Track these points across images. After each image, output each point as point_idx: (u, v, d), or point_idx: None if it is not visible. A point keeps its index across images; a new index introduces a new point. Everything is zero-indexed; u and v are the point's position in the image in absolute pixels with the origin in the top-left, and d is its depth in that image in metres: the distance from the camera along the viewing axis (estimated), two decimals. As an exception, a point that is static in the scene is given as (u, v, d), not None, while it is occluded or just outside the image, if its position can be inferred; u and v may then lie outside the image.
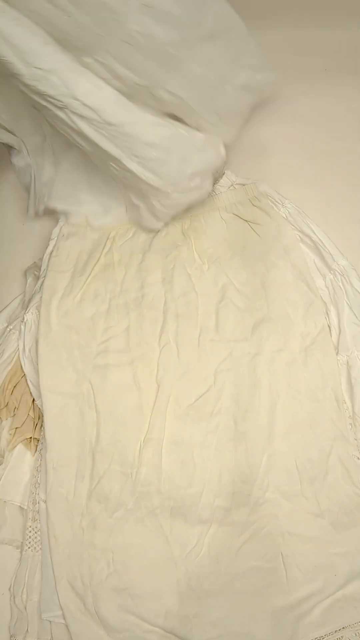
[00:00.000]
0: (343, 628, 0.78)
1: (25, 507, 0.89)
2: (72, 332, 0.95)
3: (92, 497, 0.86)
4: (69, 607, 0.81)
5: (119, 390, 0.91)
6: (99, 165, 0.94)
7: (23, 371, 0.96)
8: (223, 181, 1.08)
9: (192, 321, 0.95)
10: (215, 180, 1.09)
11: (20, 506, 0.89)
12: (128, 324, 0.96)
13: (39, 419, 0.93)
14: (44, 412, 0.91)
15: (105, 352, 0.94)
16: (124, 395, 0.91)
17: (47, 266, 1.01)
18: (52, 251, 1.02)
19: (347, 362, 0.92)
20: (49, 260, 1.01)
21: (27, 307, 0.99)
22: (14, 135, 1.04)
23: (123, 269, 1.00)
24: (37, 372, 0.95)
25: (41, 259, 1.03)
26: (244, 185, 1.04)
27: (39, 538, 0.86)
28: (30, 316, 0.98)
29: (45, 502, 0.86)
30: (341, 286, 0.96)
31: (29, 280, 1.05)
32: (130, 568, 0.82)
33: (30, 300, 1.00)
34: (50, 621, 0.81)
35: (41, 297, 0.98)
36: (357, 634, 0.78)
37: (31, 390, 0.95)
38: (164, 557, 0.82)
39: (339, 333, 0.94)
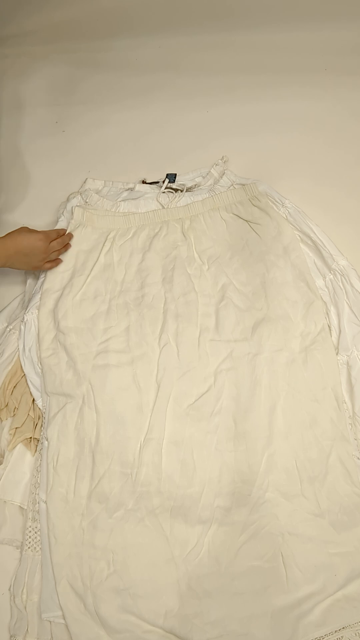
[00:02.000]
0: (343, 628, 0.78)
1: (25, 507, 0.89)
2: (72, 334, 0.95)
3: (92, 497, 0.86)
4: (68, 608, 0.81)
5: (119, 391, 0.91)
6: None
7: (23, 371, 0.96)
8: (223, 181, 1.08)
9: (192, 321, 0.95)
10: (216, 180, 1.10)
11: (20, 506, 0.89)
12: (128, 324, 0.95)
13: (39, 419, 0.93)
14: (45, 413, 0.91)
15: (105, 352, 0.94)
16: (124, 395, 0.90)
17: None
18: None
19: (347, 362, 0.92)
20: None
21: (27, 307, 0.99)
22: None
23: (123, 269, 1.00)
24: (37, 372, 0.95)
25: (41, 259, 1.03)
26: (244, 185, 1.04)
27: (39, 538, 0.86)
28: (30, 316, 0.98)
29: (45, 502, 0.86)
30: (341, 286, 0.96)
31: (29, 280, 1.05)
32: (131, 568, 0.82)
33: (30, 300, 1.00)
34: (50, 621, 0.81)
35: (40, 298, 0.98)
36: (357, 634, 0.78)
37: (31, 391, 0.95)
38: (164, 557, 0.82)
39: (339, 333, 0.93)
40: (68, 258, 1.01)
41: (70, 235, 1.02)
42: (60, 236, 0.99)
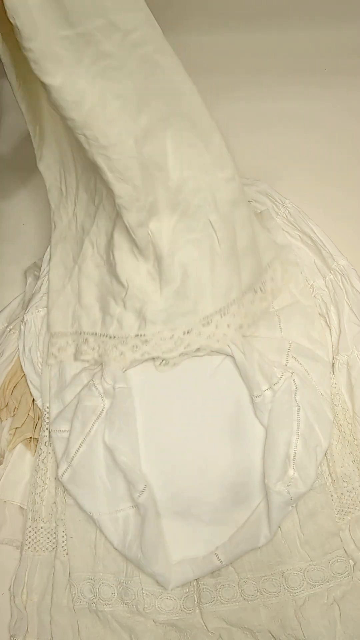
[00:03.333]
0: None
1: (25, 507, 0.89)
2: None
3: (80, 187, 0.91)
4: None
5: None
6: None
7: (23, 371, 0.96)
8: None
9: None
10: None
11: (20, 506, 0.89)
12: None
13: (39, 419, 0.93)
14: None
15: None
16: None
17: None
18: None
19: (347, 362, 0.92)
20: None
21: (27, 307, 0.99)
22: None
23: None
24: (37, 372, 0.95)
25: (41, 259, 1.03)
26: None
27: (39, 538, 0.86)
28: (30, 316, 0.97)
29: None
30: (341, 286, 0.96)
31: (29, 280, 1.05)
32: None
33: (30, 300, 1.00)
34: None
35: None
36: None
37: (31, 391, 0.94)
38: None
39: (339, 333, 0.94)
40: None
41: None
42: None
